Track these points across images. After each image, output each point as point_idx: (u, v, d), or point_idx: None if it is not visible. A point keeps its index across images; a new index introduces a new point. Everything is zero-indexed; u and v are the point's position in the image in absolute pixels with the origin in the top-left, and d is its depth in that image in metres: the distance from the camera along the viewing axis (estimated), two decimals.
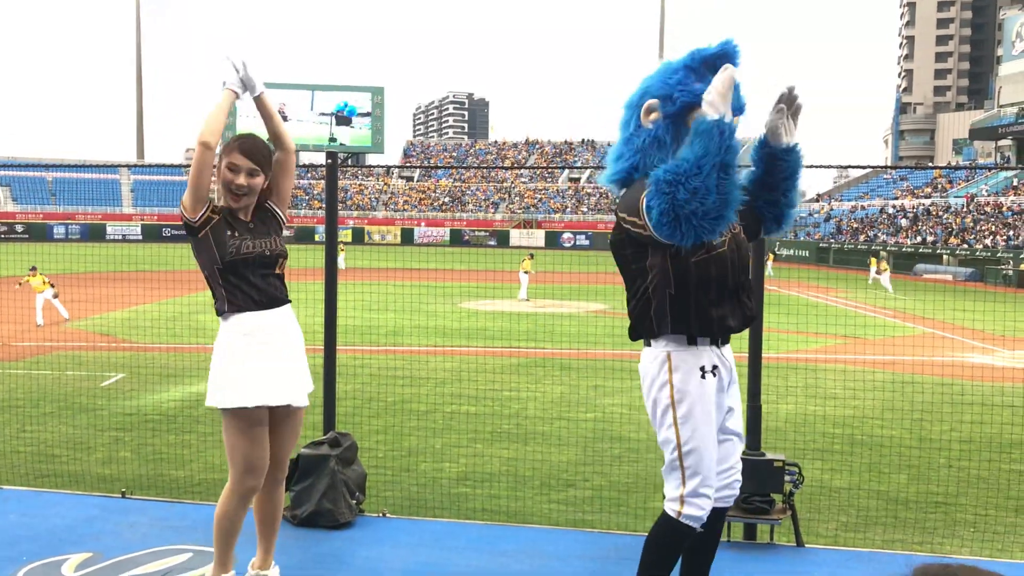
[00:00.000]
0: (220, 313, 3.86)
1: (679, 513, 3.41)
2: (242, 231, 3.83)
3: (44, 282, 19.21)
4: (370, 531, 5.15)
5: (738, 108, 3.32)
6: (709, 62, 3.35)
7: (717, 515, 3.62)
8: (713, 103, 3.13)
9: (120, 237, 66.11)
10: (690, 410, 3.38)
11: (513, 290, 26.28)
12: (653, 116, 3.36)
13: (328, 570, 4.53)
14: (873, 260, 38.70)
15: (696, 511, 3.41)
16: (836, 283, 34.50)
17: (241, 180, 3.76)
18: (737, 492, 3.66)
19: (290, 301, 4.03)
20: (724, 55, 3.35)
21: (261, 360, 3.81)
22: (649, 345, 3.51)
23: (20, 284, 19.91)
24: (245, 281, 3.81)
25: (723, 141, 3.09)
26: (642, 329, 3.50)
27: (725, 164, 3.08)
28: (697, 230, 3.12)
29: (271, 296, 3.88)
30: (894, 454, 8.58)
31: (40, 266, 20.16)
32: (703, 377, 3.42)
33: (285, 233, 4.13)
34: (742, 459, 4.02)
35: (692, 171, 3.07)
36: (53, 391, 11.03)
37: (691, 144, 3.13)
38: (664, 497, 3.50)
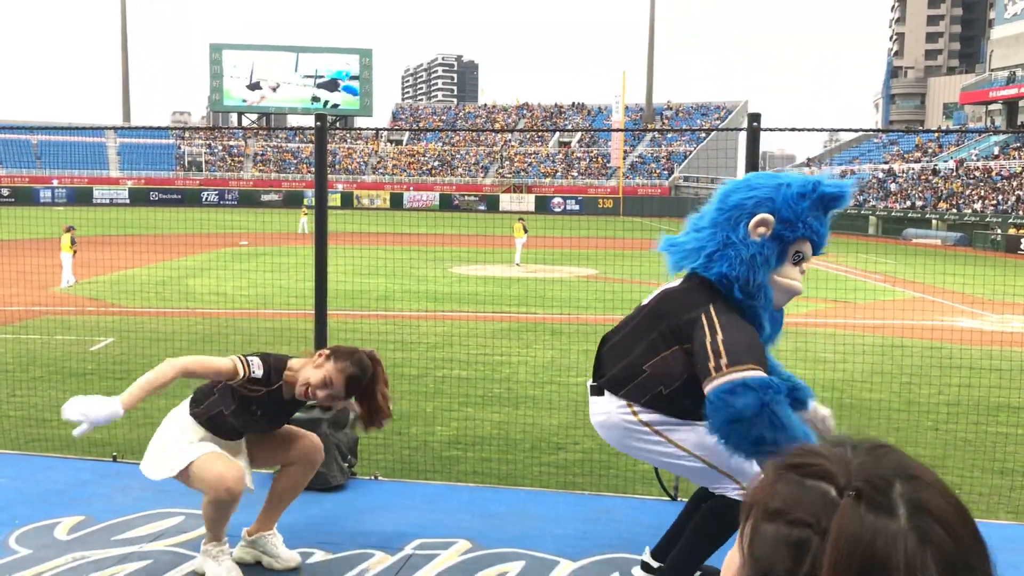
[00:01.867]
0: (195, 405, 4.18)
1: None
2: (263, 412, 4.03)
3: (71, 245, 19.01)
4: (362, 494, 5.18)
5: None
6: (827, 201, 3.42)
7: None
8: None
9: (107, 201, 65.64)
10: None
11: (505, 255, 26.26)
12: (762, 231, 3.37)
13: (320, 532, 4.56)
14: None
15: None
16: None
17: (322, 395, 3.83)
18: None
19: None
20: (841, 199, 3.43)
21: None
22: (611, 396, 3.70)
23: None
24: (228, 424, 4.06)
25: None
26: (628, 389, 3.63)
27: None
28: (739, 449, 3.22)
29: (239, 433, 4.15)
30: (882, 417, 8.65)
31: (27, 230, 20.03)
32: None
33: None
34: None
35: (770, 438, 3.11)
36: (42, 356, 11.00)
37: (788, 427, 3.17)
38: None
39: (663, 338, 3.48)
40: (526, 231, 26.40)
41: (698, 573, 3.88)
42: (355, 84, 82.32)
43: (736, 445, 3.16)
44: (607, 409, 3.68)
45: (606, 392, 3.68)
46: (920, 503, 0.87)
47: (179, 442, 3.97)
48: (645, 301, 3.77)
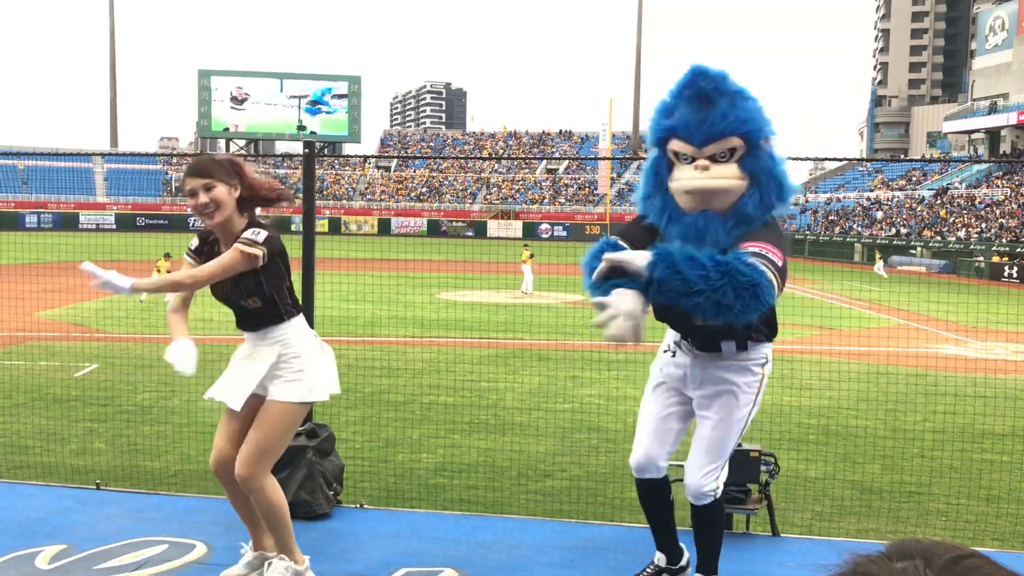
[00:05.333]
0: (287, 317, 4.07)
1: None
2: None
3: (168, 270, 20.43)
4: (347, 522, 5.15)
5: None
6: (679, 91, 3.51)
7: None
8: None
9: (93, 226, 65.35)
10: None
11: (491, 281, 26.23)
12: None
13: (310, 556, 4.52)
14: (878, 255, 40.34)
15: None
16: (811, 274, 34.75)
17: (202, 199, 3.89)
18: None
19: None
20: (688, 76, 3.49)
21: (331, 357, 4.22)
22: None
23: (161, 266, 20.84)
24: (292, 290, 4.19)
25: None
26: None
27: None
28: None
29: None
30: (868, 444, 8.66)
31: (11, 256, 19.92)
32: (664, 351, 3.98)
33: (262, 222, 4.16)
34: None
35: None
36: (26, 382, 10.91)
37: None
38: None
39: None
40: (531, 257, 26.31)
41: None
42: (339, 104, 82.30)
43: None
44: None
45: None
46: None
47: (315, 368, 4.13)
48: None
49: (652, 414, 3.97)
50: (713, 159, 3.42)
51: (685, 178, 3.44)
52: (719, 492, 3.84)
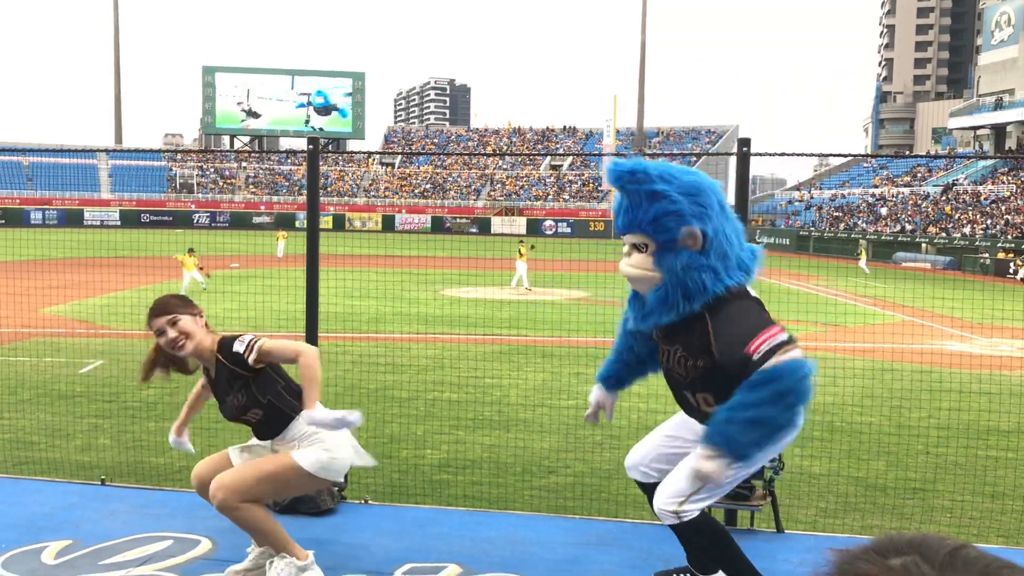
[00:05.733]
0: (294, 413, 4.14)
1: None
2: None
3: (195, 264, 22.57)
4: (352, 518, 5.15)
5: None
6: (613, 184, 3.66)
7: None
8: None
9: (98, 223, 65.49)
10: None
11: (495, 277, 26.25)
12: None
13: (314, 551, 4.52)
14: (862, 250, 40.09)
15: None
16: (816, 271, 34.71)
17: (171, 334, 4.10)
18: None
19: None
20: (610, 176, 3.65)
21: (348, 437, 4.24)
22: None
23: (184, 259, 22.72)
24: (291, 384, 4.27)
25: None
26: None
27: None
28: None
29: None
30: (872, 441, 8.66)
31: (17, 252, 19.97)
32: None
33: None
34: None
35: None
36: (31, 378, 10.94)
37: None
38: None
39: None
40: (521, 254, 26.30)
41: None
42: (346, 104, 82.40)
43: None
44: None
45: None
46: None
47: (336, 456, 4.19)
48: None
49: (664, 428, 4.10)
50: (635, 247, 3.61)
51: (622, 264, 3.71)
52: (684, 517, 3.71)
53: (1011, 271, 37.44)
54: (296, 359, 3.94)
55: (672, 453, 3.98)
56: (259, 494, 4.05)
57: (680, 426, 4.02)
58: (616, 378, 4.20)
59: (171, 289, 21.83)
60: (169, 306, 4.16)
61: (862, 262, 38.73)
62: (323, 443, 4.04)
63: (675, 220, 3.47)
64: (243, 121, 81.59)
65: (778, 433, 3.38)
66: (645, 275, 3.58)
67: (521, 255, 25.93)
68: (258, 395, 4.08)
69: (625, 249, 3.65)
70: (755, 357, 3.32)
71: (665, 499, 3.73)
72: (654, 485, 4.02)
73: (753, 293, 3.65)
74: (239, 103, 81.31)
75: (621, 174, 3.54)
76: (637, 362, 4.11)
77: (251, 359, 4.02)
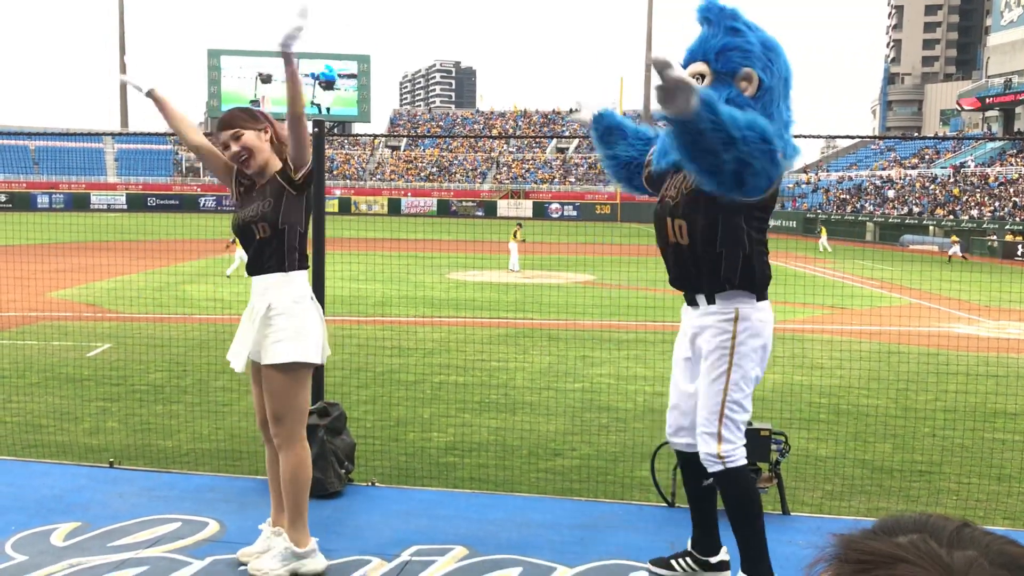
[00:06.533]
0: (288, 269, 4.07)
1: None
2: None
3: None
4: (359, 500, 5.18)
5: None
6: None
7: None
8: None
9: (104, 207, 65.60)
10: None
11: (501, 260, 26.26)
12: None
13: (317, 538, 4.55)
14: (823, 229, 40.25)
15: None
16: (823, 254, 34.66)
17: (234, 148, 4.00)
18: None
19: None
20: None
21: (319, 319, 4.18)
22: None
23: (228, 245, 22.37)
24: (304, 242, 4.18)
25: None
26: None
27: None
28: None
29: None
30: (879, 423, 8.65)
31: (24, 236, 20.02)
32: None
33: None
34: None
35: None
36: (39, 361, 10.99)
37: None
38: None
39: None
40: (515, 236, 26.23)
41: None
42: (348, 83, 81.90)
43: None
44: None
45: None
46: None
47: (308, 327, 4.14)
48: None
49: (673, 386, 4.07)
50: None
51: None
52: (730, 462, 3.71)
53: (1019, 254, 37.31)
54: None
55: (695, 398, 3.96)
56: (286, 411, 4.03)
57: (686, 370, 3.96)
58: (611, 132, 4.27)
59: (184, 272, 21.96)
60: (232, 119, 4.06)
61: (823, 239, 38.95)
62: (284, 336, 3.99)
63: (740, 56, 3.50)
64: (252, 100, 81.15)
65: (739, 148, 3.15)
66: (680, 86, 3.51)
67: (515, 237, 25.92)
68: (282, 211, 4.02)
69: None
70: None
71: (700, 439, 3.77)
72: (693, 457, 3.97)
73: None
74: (247, 85, 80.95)
75: (711, 5, 3.58)
76: (624, 164, 4.22)
77: (301, 173, 4.01)
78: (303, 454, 4.10)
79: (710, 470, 3.80)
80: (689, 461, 4.05)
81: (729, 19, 3.53)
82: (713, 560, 4.14)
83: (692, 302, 3.84)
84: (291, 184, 4.02)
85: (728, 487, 3.79)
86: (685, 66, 3.57)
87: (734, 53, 3.49)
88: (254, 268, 4.13)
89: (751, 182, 3.26)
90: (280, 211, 4.02)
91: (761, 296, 3.75)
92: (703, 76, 3.53)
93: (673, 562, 4.18)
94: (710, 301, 3.72)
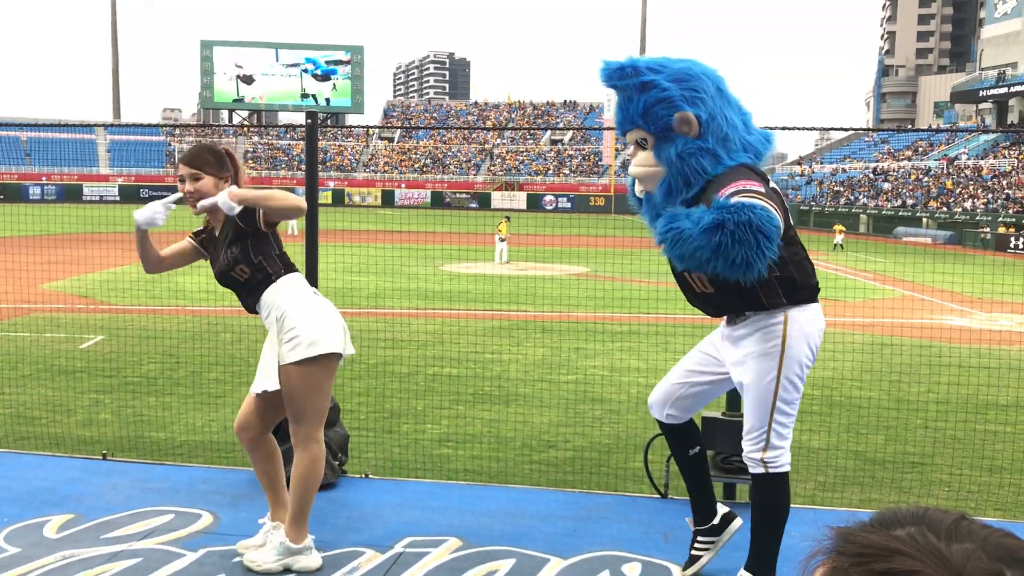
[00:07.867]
0: (275, 277, 4.06)
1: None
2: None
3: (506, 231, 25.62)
4: (353, 492, 5.18)
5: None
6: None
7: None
8: None
9: (97, 198, 65.35)
10: None
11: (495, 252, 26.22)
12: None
13: (311, 530, 4.55)
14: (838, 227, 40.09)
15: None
16: (816, 246, 34.66)
17: (188, 187, 4.02)
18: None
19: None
20: (602, 74, 3.59)
21: (330, 310, 4.08)
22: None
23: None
24: (284, 257, 4.22)
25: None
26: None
27: None
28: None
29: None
30: (871, 415, 8.68)
31: (16, 227, 19.95)
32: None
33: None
34: (722, 419, 4.39)
35: None
36: (31, 353, 10.96)
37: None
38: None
39: None
40: (500, 230, 26.27)
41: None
42: (343, 71, 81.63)
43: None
44: None
45: None
46: None
47: (315, 320, 4.08)
48: None
49: (685, 363, 4.07)
50: (638, 145, 3.56)
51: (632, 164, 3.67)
52: (772, 468, 3.71)
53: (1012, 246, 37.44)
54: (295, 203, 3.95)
55: (694, 393, 3.98)
56: (305, 411, 4.01)
57: (701, 361, 3.97)
58: None
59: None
60: (197, 159, 4.05)
61: (839, 237, 38.82)
62: (293, 333, 3.95)
63: (666, 107, 3.40)
64: (243, 93, 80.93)
65: (695, 252, 3.08)
66: (649, 171, 3.52)
67: (500, 230, 25.96)
68: (251, 252, 4.03)
69: (630, 151, 3.63)
70: (721, 199, 3.13)
71: (744, 442, 3.78)
72: (677, 428, 4.02)
73: (761, 173, 3.50)
74: (238, 76, 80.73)
75: (611, 73, 3.50)
76: None
77: (260, 217, 4.00)
78: (319, 455, 4.08)
79: (751, 471, 3.79)
80: (674, 431, 4.08)
81: (632, 77, 3.43)
82: (716, 521, 4.16)
83: (732, 322, 3.80)
84: (253, 228, 4.01)
85: (765, 492, 3.78)
86: (623, 134, 3.62)
87: (657, 108, 3.41)
88: (250, 305, 4.16)
89: (760, 260, 3.08)
90: (249, 250, 4.04)
91: (810, 300, 3.72)
92: (646, 140, 3.50)
93: (693, 552, 4.17)
94: (751, 311, 3.69)
